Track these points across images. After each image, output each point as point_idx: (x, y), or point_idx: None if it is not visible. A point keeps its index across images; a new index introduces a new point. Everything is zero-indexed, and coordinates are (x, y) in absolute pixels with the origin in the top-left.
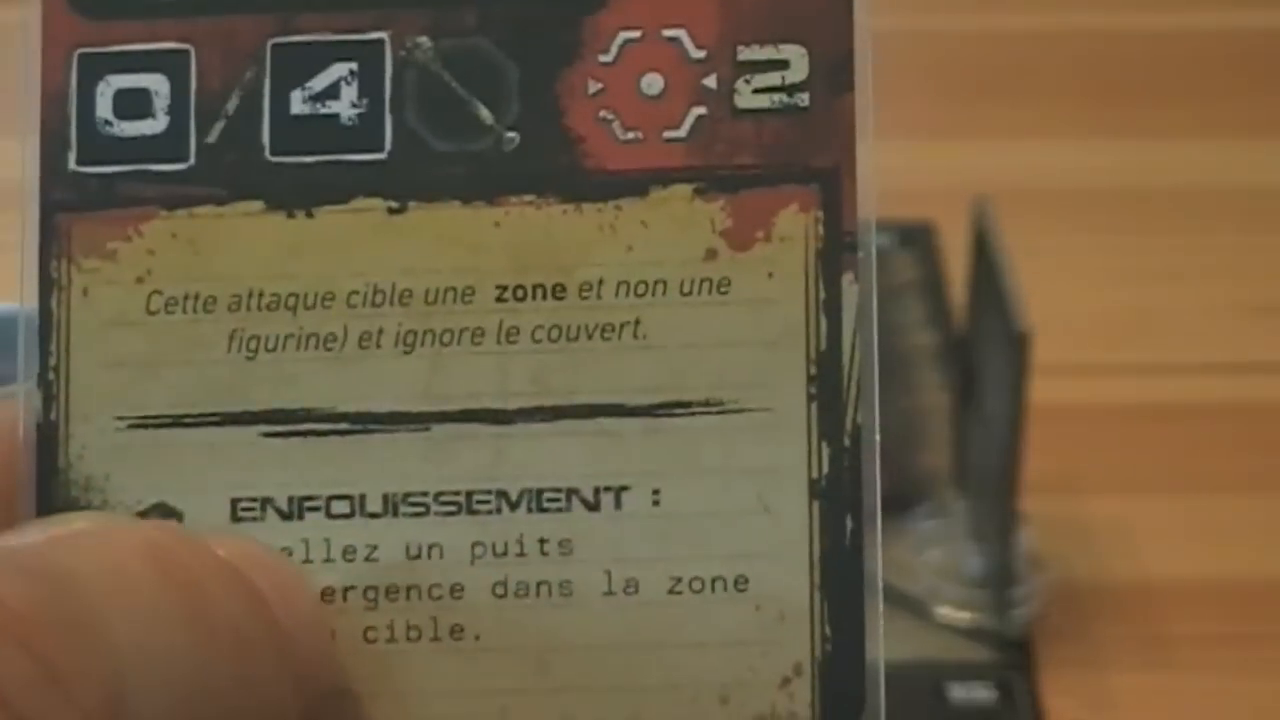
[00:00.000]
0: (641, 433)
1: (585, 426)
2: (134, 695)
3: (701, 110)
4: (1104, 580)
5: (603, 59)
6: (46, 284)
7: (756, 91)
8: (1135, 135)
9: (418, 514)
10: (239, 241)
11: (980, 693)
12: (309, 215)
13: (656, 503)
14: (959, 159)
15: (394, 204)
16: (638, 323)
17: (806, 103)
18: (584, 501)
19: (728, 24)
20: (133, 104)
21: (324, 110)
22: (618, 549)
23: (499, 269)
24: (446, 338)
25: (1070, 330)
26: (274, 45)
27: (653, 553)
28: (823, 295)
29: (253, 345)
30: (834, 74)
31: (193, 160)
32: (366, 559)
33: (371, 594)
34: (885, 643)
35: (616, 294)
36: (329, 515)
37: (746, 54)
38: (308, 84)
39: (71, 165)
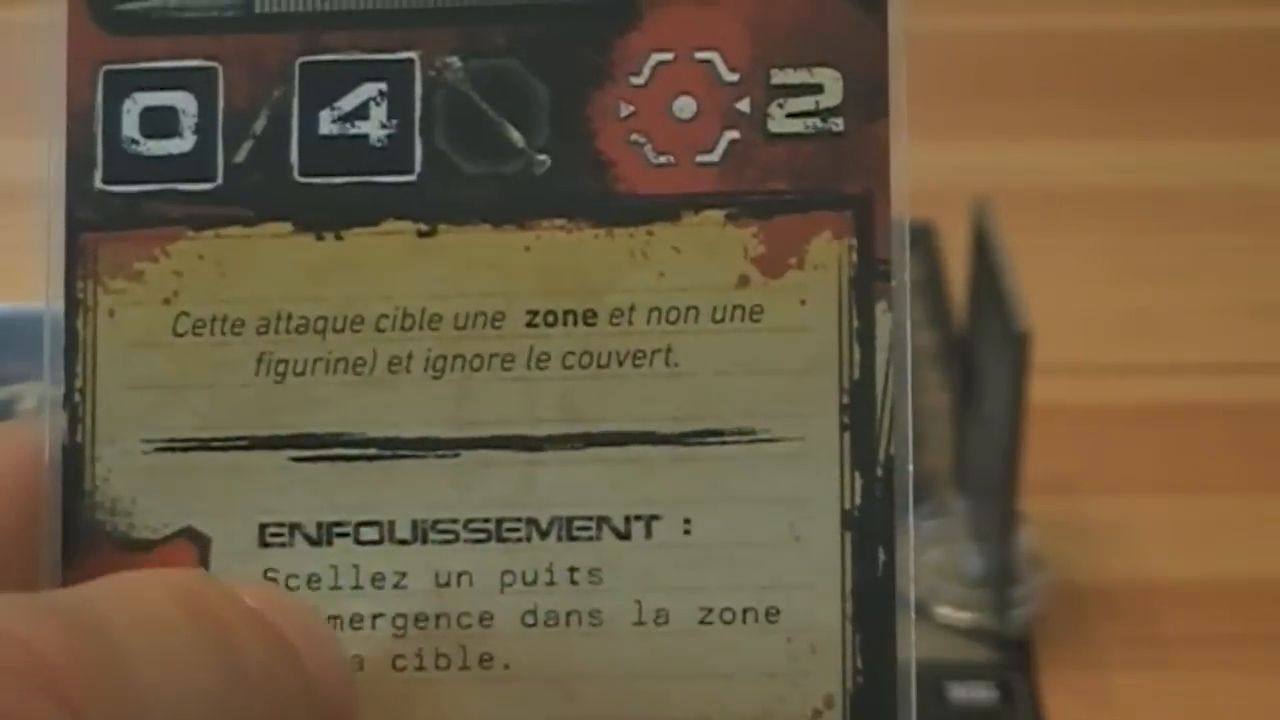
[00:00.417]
0: (672, 461)
1: (615, 454)
2: None
3: (734, 134)
4: (1103, 580)
5: (634, 81)
6: (72, 304)
7: (790, 116)
8: (1135, 135)
9: (447, 541)
10: (267, 263)
11: (980, 693)
12: (338, 237)
13: (687, 532)
14: (959, 159)
15: (424, 226)
16: (669, 350)
17: (840, 128)
18: (614, 530)
19: (760, 46)
20: (159, 122)
21: (353, 131)
22: (648, 578)
23: (529, 293)
24: (476, 363)
25: (1070, 330)
26: (302, 64)
27: (683, 582)
28: (856, 324)
29: (281, 368)
30: (868, 99)
31: (220, 180)
32: (395, 586)
33: (400, 622)
34: None
35: (648, 320)
36: (358, 541)
37: (780, 77)
38: (337, 104)
39: (97, 184)
